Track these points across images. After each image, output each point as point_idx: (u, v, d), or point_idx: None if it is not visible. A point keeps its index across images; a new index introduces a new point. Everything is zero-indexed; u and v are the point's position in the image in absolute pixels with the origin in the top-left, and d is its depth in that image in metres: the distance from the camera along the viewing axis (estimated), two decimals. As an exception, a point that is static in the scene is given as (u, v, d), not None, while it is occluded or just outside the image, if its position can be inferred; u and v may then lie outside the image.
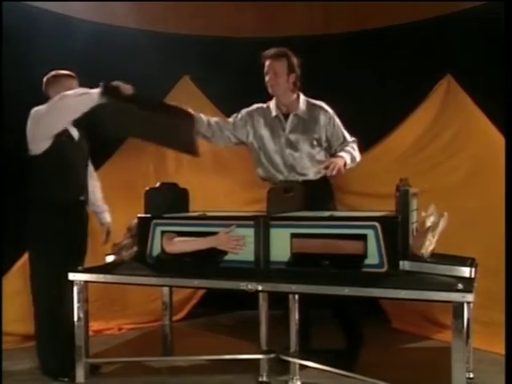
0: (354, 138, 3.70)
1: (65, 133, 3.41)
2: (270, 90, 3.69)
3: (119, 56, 4.55)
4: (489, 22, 4.10)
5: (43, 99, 3.47)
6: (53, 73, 3.51)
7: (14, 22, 4.11)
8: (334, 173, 3.43)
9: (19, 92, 4.11)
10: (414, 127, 4.57)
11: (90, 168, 3.70)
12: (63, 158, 3.38)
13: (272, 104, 3.74)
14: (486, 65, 4.18)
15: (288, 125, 3.65)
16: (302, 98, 3.70)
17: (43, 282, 3.35)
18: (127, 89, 3.30)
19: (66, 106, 3.26)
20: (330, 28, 5.01)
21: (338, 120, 3.67)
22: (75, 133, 3.52)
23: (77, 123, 3.49)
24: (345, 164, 3.51)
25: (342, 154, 3.57)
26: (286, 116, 3.67)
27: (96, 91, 3.24)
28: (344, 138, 3.68)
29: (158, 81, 4.77)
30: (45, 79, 3.51)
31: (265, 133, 3.70)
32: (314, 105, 3.67)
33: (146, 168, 4.83)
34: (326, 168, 3.44)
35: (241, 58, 4.93)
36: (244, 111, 3.83)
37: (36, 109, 3.36)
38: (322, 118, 3.62)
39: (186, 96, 5.00)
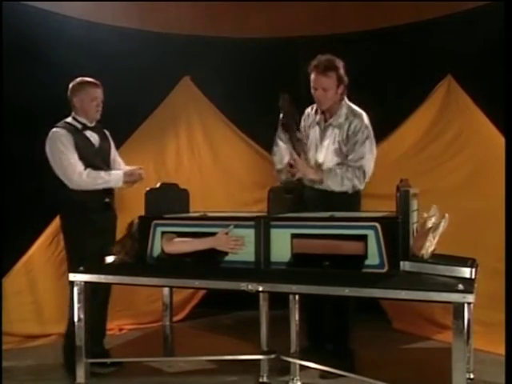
0: (360, 165, 3.47)
1: (85, 142, 3.52)
2: (316, 104, 3.60)
3: (120, 56, 4.55)
4: (489, 22, 4.09)
5: (45, 100, 3.48)
6: (78, 80, 3.57)
7: (14, 21, 4.12)
8: (292, 176, 3.39)
9: (19, 91, 4.13)
10: (414, 128, 4.57)
11: (116, 156, 3.81)
12: (88, 165, 3.47)
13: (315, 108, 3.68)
14: (486, 65, 4.18)
15: (323, 134, 3.58)
16: (345, 104, 3.57)
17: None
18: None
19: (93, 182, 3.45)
20: (330, 28, 5.01)
21: (365, 135, 3.51)
22: (95, 138, 3.59)
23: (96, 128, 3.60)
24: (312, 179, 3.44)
25: (323, 169, 3.47)
26: (326, 122, 3.59)
27: (119, 177, 3.52)
28: (353, 156, 3.48)
29: (158, 81, 4.78)
30: (70, 86, 3.57)
31: (310, 136, 3.66)
32: (352, 112, 3.55)
33: (146, 168, 4.83)
34: (290, 166, 3.39)
35: (243, 59, 4.94)
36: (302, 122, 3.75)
37: (62, 154, 3.42)
38: (351, 128, 3.50)
39: (186, 97, 5.02)
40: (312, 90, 3.53)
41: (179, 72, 4.96)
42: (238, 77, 4.92)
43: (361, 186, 3.50)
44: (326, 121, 3.59)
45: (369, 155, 3.52)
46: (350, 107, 3.57)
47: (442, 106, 4.50)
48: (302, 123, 3.73)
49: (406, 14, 4.69)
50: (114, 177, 3.51)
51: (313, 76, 3.50)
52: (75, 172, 3.41)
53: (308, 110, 3.74)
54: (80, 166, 3.43)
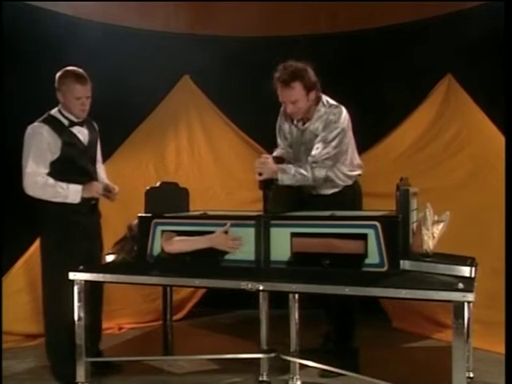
0: (323, 159, 3.25)
1: (73, 140, 3.30)
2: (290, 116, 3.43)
3: (120, 55, 4.55)
4: (489, 22, 4.09)
5: (45, 98, 3.46)
6: (63, 71, 3.29)
7: (14, 21, 4.13)
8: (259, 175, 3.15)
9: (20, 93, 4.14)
10: (414, 127, 4.58)
11: (99, 157, 3.60)
12: (73, 165, 3.30)
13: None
14: (486, 64, 4.18)
15: (302, 138, 3.46)
16: (322, 105, 3.36)
17: (53, 285, 3.29)
18: None
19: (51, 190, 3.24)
20: (330, 27, 5.02)
21: (336, 132, 3.26)
22: (84, 134, 3.37)
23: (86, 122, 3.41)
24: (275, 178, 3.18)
25: (285, 167, 3.25)
26: (303, 125, 3.42)
27: (77, 191, 3.24)
28: (318, 149, 3.27)
29: (158, 80, 4.78)
30: (56, 76, 3.31)
31: (290, 139, 3.55)
32: (330, 108, 3.34)
33: (146, 167, 4.84)
34: (259, 174, 3.16)
35: (243, 57, 4.94)
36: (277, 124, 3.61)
37: (28, 157, 3.23)
38: (326, 122, 3.31)
39: (186, 95, 5.02)
40: (281, 103, 3.35)
41: (179, 71, 4.97)
42: (237, 76, 4.92)
43: (317, 179, 3.27)
44: (303, 123, 3.42)
45: (337, 151, 3.29)
46: (327, 106, 3.36)
47: (441, 105, 4.51)
48: (278, 123, 3.60)
49: (405, 13, 4.69)
50: (71, 190, 3.24)
51: (278, 89, 3.28)
52: (29, 179, 3.22)
53: (281, 111, 3.53)
54: (38, 174, 3.21)
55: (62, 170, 3.27)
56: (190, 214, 3.50)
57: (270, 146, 3.94)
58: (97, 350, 3.41)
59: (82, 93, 3.26)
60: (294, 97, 3.27)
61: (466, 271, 2.62)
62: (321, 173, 3.27)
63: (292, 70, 3.24)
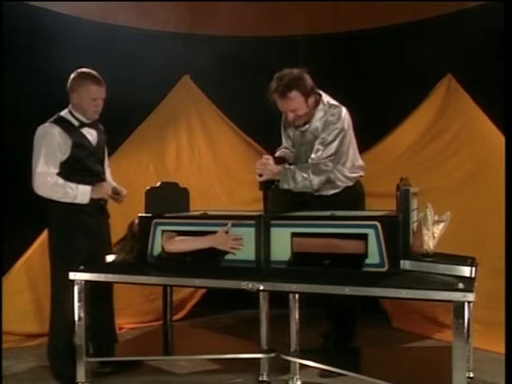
0: (324, 162, 3.25)
1: (82, 141, 3.34)
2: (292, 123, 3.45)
3: (120, 55, 4.55)
4: (489, 22, 4.10)
5: (46, 99, 3.45)
6: (80, 72, 3.35)
7: (14, 21, 4.13)
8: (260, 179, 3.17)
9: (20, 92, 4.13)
10: (414, 127, 4.58)
11: (106, 159, 3.62)
12: (82, 166, 3.33)
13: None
14: (486, 64, 4.18)
15: (303, 139, 3.47)
16: (321, 105, 3.35)
17: (59, 285, 3.29)
18: None
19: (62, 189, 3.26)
20: (331, 27, 5.02)
21: (336, 132, 3.26)
22: (93, 135, 3.41)
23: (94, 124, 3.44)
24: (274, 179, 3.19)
25: (286, 172, 3.23)
26: (303, 126, 3.42)
27: (86, 192, 3.27)
28: (320, 154, 3.26)
29: (158, 80, 4.78)
30: (71, 77, 3.36)
31: (294, 140, 3.58)
32: (330, 108, 3.33)
33: (147, 167, 4.84)
34: (260, 175, 3.18)
35: (243, 57, 4.94)
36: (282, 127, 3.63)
37: (39, 157, 3.24)
38: (328, 120, 3.30)
39: (186, 95, 5.02)
40: (281, 111, 3.39)
41: (179, 71, 4.97)
42: (237, 75, 4.92)
43: (318, 182, 3.26)
44: (304, 124, 3.41)
45: (337, 153, 3.29)
46: (327, 106, 3.34)
47: (441, 105, 4.51)
48: (282, 122, 3.63)
49: (406, 12, 4.70)
50: (81, 191, 3.26)
51: (276, 100, 3.29)
52: (39, 179, 3.23)
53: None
54: (48, 174, 3.23)
55: (71, 170, 3.30)
56: (190, 213, 3.50)
57: (270, 145, 3.95)
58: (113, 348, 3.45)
59: (99, 94, 3.35)
60: (293, 106, 3.28)
61: (466, 271, 2.61)
62: (321, 177, 3.28)
63: (288, 80, 3.22)
